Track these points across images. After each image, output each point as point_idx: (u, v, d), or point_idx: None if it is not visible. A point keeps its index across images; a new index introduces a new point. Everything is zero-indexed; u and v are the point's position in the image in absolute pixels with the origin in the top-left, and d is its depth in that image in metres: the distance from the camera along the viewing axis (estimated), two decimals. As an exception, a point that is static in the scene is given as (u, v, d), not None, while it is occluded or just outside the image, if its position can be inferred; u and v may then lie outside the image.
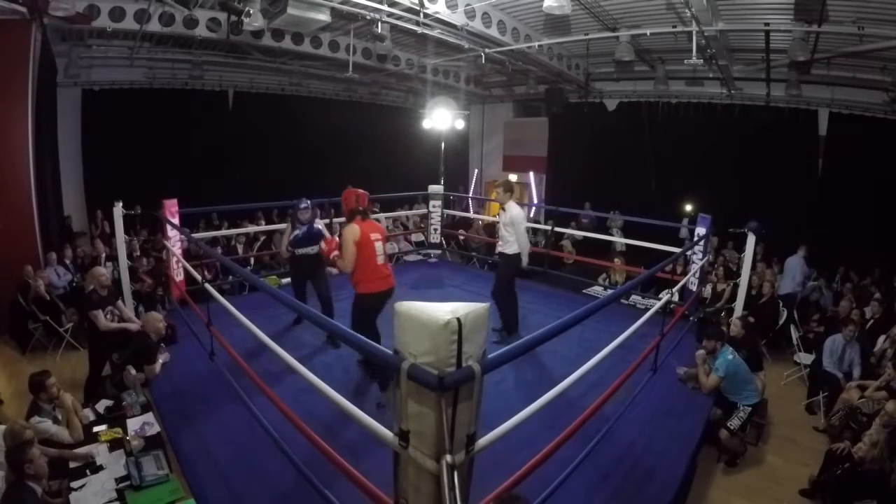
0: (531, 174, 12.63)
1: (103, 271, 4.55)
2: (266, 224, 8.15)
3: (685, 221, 8.29)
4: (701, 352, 3.96)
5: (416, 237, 9.21)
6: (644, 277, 4.99)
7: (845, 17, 5.56)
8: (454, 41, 7.05)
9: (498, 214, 4.97)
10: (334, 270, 4.94)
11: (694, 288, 5.55)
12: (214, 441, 3.08)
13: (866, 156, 7.76)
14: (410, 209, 9.57)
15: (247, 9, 5.40)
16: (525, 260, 4.75)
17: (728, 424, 3.80)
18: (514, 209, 4.68)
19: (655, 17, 6.43)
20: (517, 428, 2.06)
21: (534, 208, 12.19)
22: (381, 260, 3.70)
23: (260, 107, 10.62)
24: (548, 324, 2.09)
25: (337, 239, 4.12)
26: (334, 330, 2.30)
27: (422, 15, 5.99)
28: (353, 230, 3.60)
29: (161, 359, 3.97)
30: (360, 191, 3.81)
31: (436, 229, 7.76)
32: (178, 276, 5.32)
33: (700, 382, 3.94)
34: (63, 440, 3.03)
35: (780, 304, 6.34)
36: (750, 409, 3.85)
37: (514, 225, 4.64)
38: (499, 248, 4.88)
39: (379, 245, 3.70)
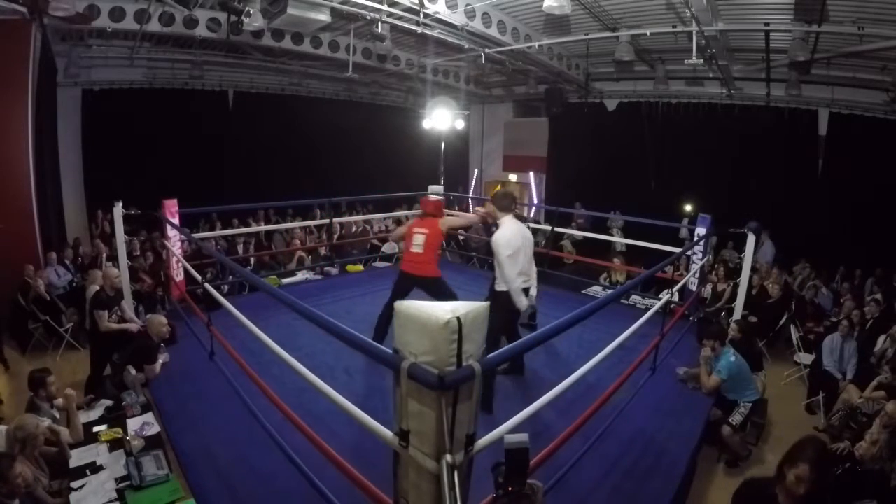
0: (531, 174, 12.63)
1: (116, 272, 4.56)
2: (265, 224, 8.14)
3: (685, 221, 8.27)
4: (707, 353, 3.95)
5: (416, 237, 9.18)
6: (644, 277, 4.98)
7: (845, 17, 5.55)
8: (454, 41, 7.05)
9: None
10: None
11: (694, 288, 5.55)
12: (214, 441, 3.08)
13: (866, 156, 7.76)
14: (410, 209, 9.56)
15: (247, 9, 5.40)
16: (519, 302, 3.39)
17: (730, 420, 3.81)
18: (502, 228, 3.48)
19: (655, 17, 6.43)
20: (517, 428, 2.05)
21: (534, 208, 12.19)
22: None
23: (260, 107, 10.62)
24: (548, 324, 2.09)
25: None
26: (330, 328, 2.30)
27: (422, 15, 5.99)
28: None
29: (161, 359, 3.97)
30: None
31: (436, 229, 7.73)
32: (178, 276, 5.32)
33: (701, 382, 3.93)
34: (63, 440, 3.02)
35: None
36: (750, 405, 3.86)
37: (494, 251, 3.43)
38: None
39: None
